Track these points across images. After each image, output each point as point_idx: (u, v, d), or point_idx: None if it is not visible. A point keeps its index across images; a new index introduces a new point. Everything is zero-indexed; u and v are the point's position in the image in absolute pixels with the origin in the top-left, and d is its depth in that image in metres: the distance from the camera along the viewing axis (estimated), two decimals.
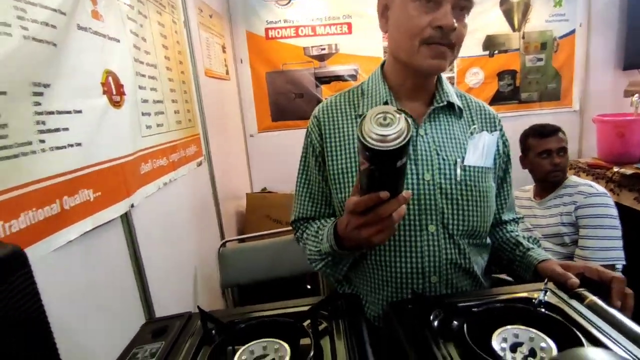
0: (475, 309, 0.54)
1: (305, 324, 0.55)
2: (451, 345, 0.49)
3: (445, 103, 0.74)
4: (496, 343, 0.48)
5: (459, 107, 0.76)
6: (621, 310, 0.55)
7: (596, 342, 0.48)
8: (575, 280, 0.60)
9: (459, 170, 0.71)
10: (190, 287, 1.47)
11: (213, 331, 0.54)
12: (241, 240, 1.81)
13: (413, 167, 0.71)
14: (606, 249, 1.22)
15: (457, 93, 0.80)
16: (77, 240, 0.91)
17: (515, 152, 1.45)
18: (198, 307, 0.57)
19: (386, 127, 0.43)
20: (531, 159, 1.44)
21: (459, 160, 0.72)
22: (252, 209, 2.14)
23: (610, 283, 0.59)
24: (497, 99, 2.59)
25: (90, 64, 1.03)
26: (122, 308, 1.02)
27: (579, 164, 2.32)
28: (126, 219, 1.09)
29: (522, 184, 1.57)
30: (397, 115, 0.44)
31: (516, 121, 2.24)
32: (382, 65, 0.80)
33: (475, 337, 0.48)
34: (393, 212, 0.51)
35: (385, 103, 0.74)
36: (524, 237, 0.80)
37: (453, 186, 0.70)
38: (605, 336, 0.49)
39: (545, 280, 0.60)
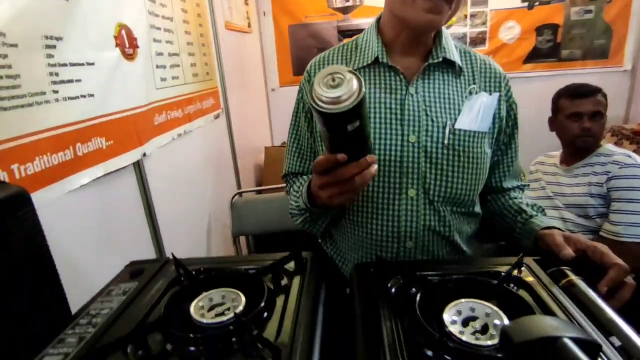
0: (435, 279, 0.51)
1: (267, 277, 0.55)
2: (402, 315, 0.47)
3: (440, 59, 0.66)
4: (448, 316, 0.45)
5: (458, 64, 0.68)
6: (609, 299, 0.50)
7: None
8: (569, 252, 0.55)
9: (447, 133, 0.65)
10: (203, 234, 1.53)
11: (182, 277, 0.56)
12: (258, 192, 1.84)
13: (398, 127, 0.65)
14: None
15: (460, 49, 0.71)
16: (91, 185, 0.96)
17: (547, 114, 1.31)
18: (172, 254, 0.58)
19: (335, 88, 0.39)
20: (560, 121, 1.28)
21: (449, 122, 0.65)
22: (271, 163, 2.15)
23: (609, 268, 0.52)
24: (534, 56, 2.33)
25: (102, 18, 1.02)
26: (133, 250, 1.09)
27: (623, 131, 2.07)
28: (138, 167, 1.12)
29: (550, 149, 1.42)
30: (348, 76, 0.39)
31: (554, 81, 2.00)
32: (379, 19, 0.72)
33: (429, 308, 0.46)
34: (354, 175, 0.48)
35: (376, 58, 0.67)
36: (527, 205, 0.73)
37: (439, 150, 0.65)
38: (570, 318, 0.45)
39: (520, 255, 0.55)
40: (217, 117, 1.72)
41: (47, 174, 0.85)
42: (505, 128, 0.72)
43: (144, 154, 1.16)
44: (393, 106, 0.66)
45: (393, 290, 0.51)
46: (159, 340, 0.44)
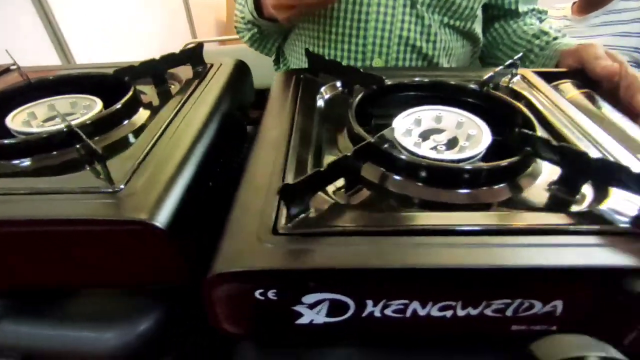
0: (391, 82, 0.32)
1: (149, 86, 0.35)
2: (330, 128, 0.28)
3: None
4: (399, 124, 0.28)
5: None
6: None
7: (557, 136, 0.27)
8: (611, 66, 0.36)
9: None
10: None
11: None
12: (222, 44, 1.49)
13: None
14: None
15: None
16: None
17: None
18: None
19: None
20: None
21: None
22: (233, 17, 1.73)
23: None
24: None
25: None
26: None
27: None
28: None
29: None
30: None
31: None
32: None
33: (375, 119, 0.28)
34: None
35: None
36: (550, 28, 0.51)
37: None
38: (576, 129, 0.28)
39: (519, 55, 0.35)
40: None
41: None
42: None
43: None
44: None
45: (325, 97, 0.32)
46: None
